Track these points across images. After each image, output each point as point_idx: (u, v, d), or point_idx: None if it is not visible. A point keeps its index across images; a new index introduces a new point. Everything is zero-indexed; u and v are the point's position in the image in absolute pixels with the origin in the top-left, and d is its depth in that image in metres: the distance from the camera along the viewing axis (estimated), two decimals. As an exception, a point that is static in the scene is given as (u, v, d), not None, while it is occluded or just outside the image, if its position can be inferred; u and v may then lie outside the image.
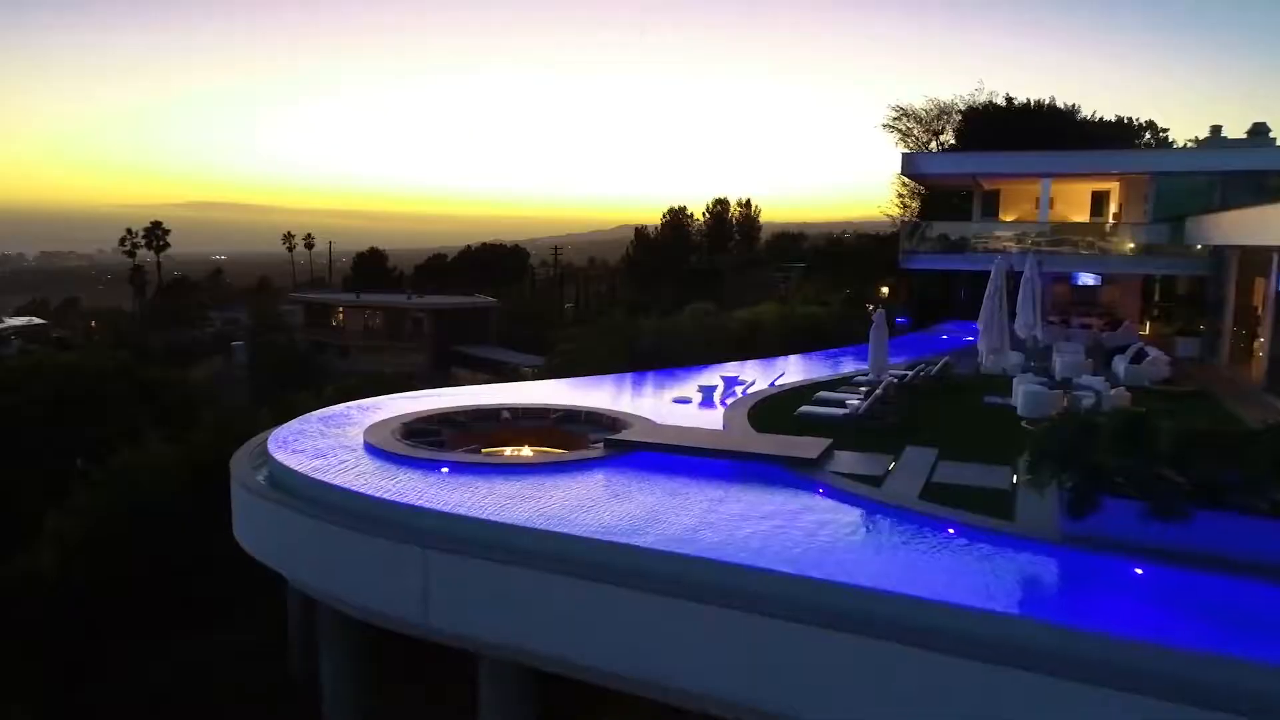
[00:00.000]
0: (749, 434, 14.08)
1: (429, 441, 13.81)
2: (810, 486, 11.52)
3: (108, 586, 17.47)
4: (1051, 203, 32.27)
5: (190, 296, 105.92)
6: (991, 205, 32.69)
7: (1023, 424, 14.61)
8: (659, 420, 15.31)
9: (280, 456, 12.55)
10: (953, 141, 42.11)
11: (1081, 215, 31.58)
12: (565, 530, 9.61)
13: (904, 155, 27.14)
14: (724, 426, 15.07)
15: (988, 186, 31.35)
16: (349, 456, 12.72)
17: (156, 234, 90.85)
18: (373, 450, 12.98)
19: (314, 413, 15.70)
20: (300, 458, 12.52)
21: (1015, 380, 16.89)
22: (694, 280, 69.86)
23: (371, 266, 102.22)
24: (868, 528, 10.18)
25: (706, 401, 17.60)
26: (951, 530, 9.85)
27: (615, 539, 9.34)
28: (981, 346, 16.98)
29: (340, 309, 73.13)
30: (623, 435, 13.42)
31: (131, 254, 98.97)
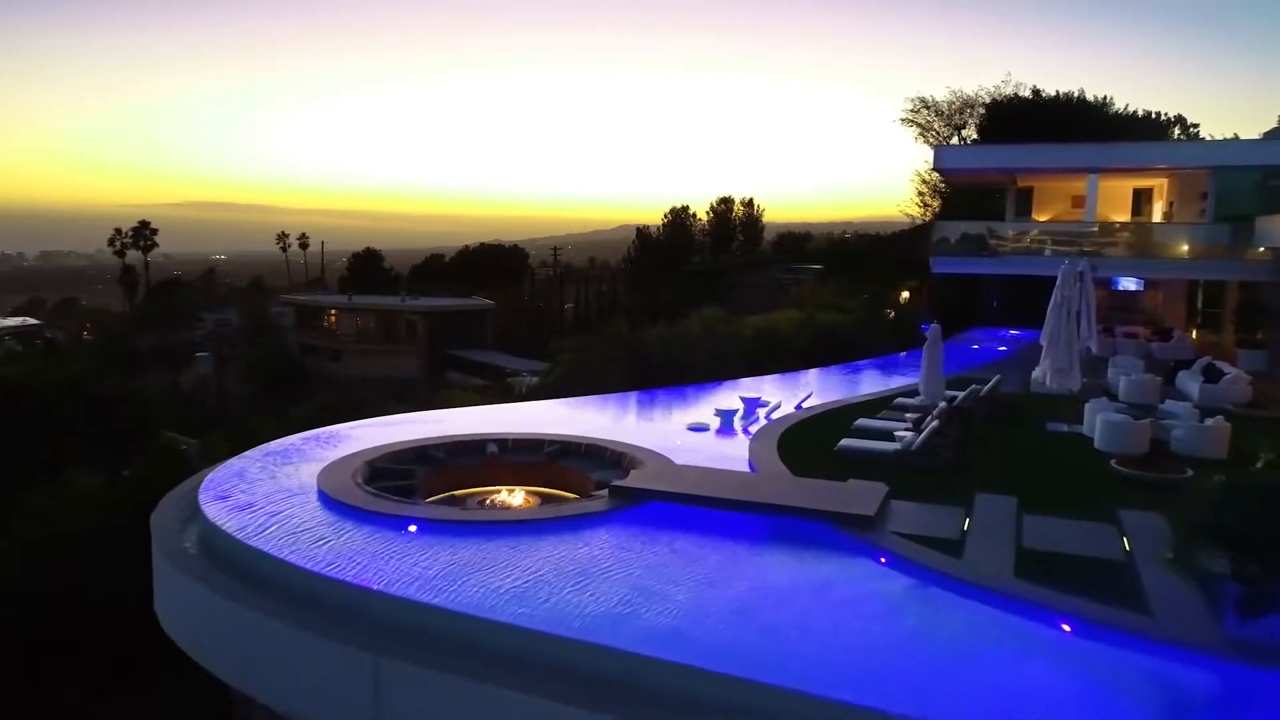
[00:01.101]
0: (784, 478, 11.69)
1: (396, 487, 11.43)
2: (869, 553, 9.16)
3: (36, 636, 15.27)
4: (1075, 201, 29.95)
5: (182, 297, 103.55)
6: (1024, 204, 30.34)
7: (1112, 463, 12.23)
8: (671, 452, 12.97)
9: (211, 511, 10.18)
10: (975, 136, 39.70)
11: (1121, 214, 29.21)
12: (561, 631, 7.25)
13: (936, 148, 24.79)
14: (750, 464, 12.70)
15: (1021, 183, 29.02)
16: (296, 509, 10.35)
17: (144, 234, 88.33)
18: (327, 500, 10.61)
19: (264, 447, 13.32)
20: (234, 513, 10.15)
21: (1088, 406, 14.52)
22: (697, 281, 67.45)
23: (367, 267, 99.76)
24: (955, 620, 7.81)
25: (725, 428, 15.24)
26: (1068, 627, 7.49)
27: (626, 646, 6.97)
28: (1044, 365, 14.67)
29: (332, 311, 70.69)
30: (631, 480, 11.05)
31: (121, 254, 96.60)
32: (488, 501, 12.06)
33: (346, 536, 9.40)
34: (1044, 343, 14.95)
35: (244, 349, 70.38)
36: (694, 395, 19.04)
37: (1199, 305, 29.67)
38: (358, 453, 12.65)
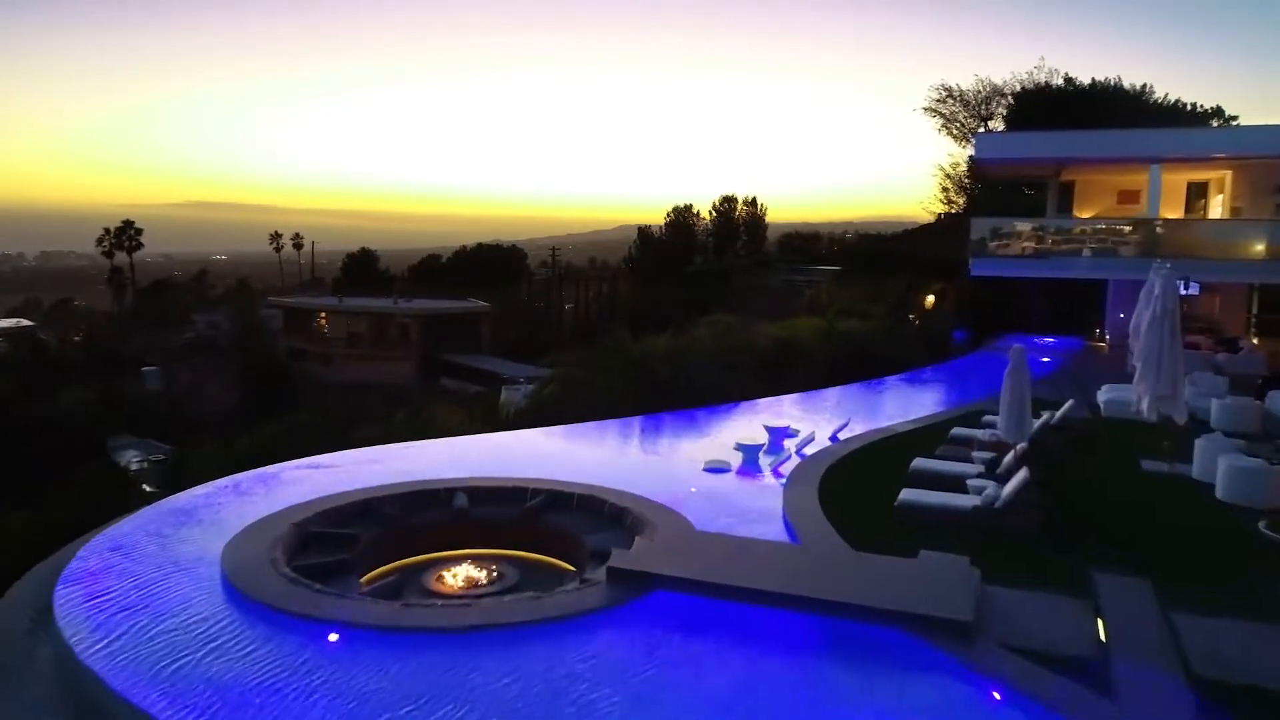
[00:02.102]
0: (838, 554, 8.92)
1: (326, 564, 8.71)
2: (971, 680, 6.45)
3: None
4: (1137, 195, 27.18)
5: (172, 298, 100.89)
6: (1066, 199, 27.59)
7: (1261, 526, 9.49)
8: (685, 503, 10.29)
9: (65, 617, 7.44)
10: (1001, 128, 36.90)
11: (1174, 210, 26.44)
12: None
13: (976, 136, 22.03)
14: (786, 522, 9.98)
15: (1064, 176, 26.28)
16: (180, 604, 7.63)
17: (129, 233, 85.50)
18: (231, 592, 7.88)
19: (167, 501, 10.60)
20: (95, 618, 7.42)
21: (1198, 442, 11.77)
22: (700, 283, 64.67)
23: (362, 268, 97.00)
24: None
25: (749, 466, 12.54)
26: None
27: None
28: (1141, 389, 11.97)
29: (322, 314, 67.94)
30: (636, 559, 8.32)
31: (110, 255, 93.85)
32: (447, 580, 9.32)
33: (234, 658, 6.68)
34: (1138, 364, 12.24)
35: (231, 354, 67.87)
36: (707, 420, 16.33)
37: (1252, 310, 26.93)
38: (288, 510, 9.92)
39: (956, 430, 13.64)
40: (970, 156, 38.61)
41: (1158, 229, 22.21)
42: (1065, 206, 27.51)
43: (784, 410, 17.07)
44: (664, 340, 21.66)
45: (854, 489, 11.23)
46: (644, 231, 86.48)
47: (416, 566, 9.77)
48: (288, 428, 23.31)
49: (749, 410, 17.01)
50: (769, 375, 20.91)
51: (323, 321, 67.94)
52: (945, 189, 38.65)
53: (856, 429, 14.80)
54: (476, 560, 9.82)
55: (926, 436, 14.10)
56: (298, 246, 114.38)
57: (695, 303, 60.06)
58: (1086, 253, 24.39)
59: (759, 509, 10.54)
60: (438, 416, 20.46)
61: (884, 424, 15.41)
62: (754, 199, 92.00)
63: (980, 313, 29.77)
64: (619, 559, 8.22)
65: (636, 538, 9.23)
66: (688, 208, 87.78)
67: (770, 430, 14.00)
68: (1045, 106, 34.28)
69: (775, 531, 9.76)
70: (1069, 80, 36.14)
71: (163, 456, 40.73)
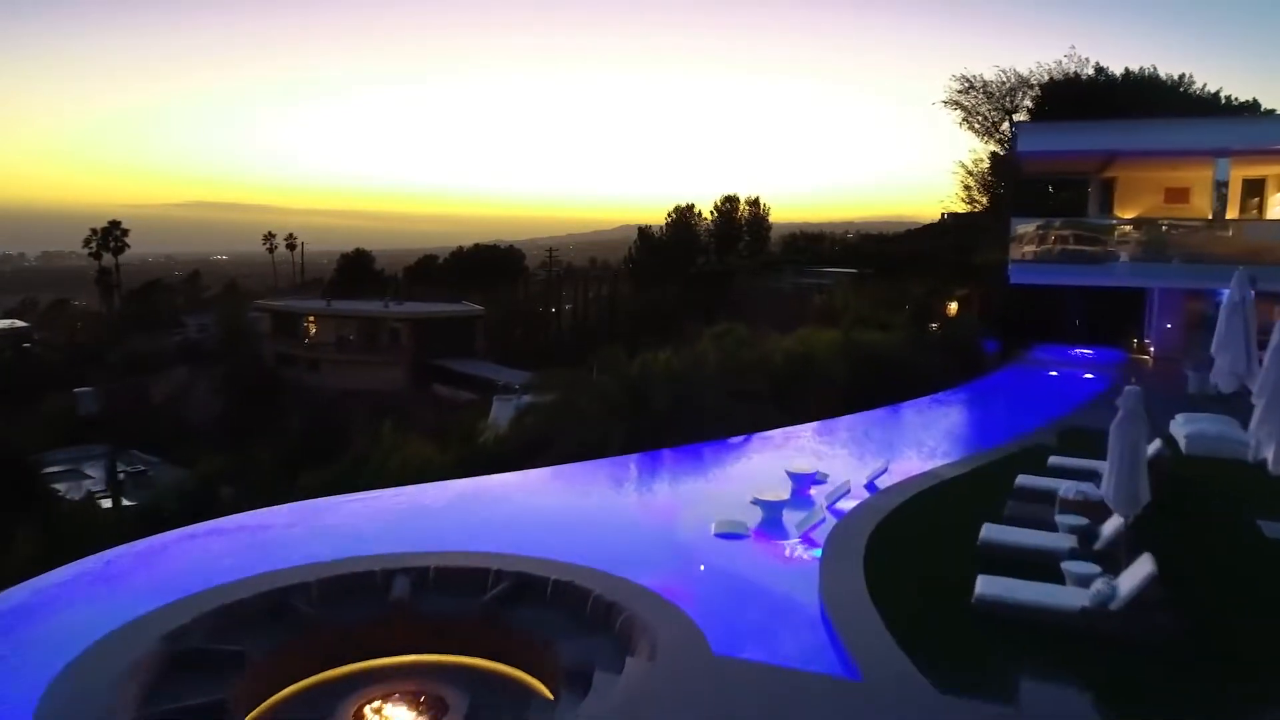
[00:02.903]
0: (913, 695, 6.38)
1: (195, 711, 6.22)
2: None
3: None
4: (1186, 194, 24.67)
5: (163, 300, 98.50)
6: (1106, 198, 25.07)
7: None
8: (693, 587, 7.88)
9: None
10: (1026, 120, 34.31)
11: (1229, 209, 23.91)
12: None
13: (1018, 124, 19.46)
14: (825, 619, 7.50)
15: (1107, 173, 23.75)
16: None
17: (114, 234, 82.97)
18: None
19: (44, 579, 8.14)
20: None
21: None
22: (703, 285, 62.11)
23: (357, 268, 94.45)
24: None
25: (771, 527, 10.08)
26: None
27: None
28: (1262, 432, 9.52)
29: (310, 318, 65.42)
30: (629, 708, 5.82)
31: (97, 256, 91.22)
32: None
33: None
34: (1259, 402, 9.79)
35: (217, 359, 65.33)
36: (715, 460, 13.87)
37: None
38: (162, 612, 7.42)
39: (1023, 480, 11.12)
40: (992, 152, 36.19)
41: (1228, 231, 19.66)
42: (1106, 206, 25.02)
43: (804, 445, 14.61)
44: (664, 358, 19.15)
45: (909, 567, 8.74)
46: (644, 232, 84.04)
47: (332, 688, 7.30)
48: (237, 461, 20.93)
49: (763, 445, 14.54)
50: (783, 398, 18.38)
51: (311, 325, 65.41)
52: (968, 187, 36.07)
53: (897, 471, 12.30)
54: (416, 681, 7.35)
55: (983, 484, 11.63)
56: (291, 247, 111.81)
57: (698, 306, 57.61)
58: (1124, 257, 21.82)
59: (790, 601, 8.07)
60: (406, 447, 17.95)
61: (927, 465, 12.89)
62: (756, 199, 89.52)
63: (1008, 320, 27.33)
64: (605, 694, 5.74)
65: (629, 658, 6.76)
66: (689, 208, 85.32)
67: (793, 478, 11.52)
68: (1076, 99, 31.75)
69: (816, 642, 7.27)
70: (1099, 70, 33.62)
71: (143, 468, 38.26)
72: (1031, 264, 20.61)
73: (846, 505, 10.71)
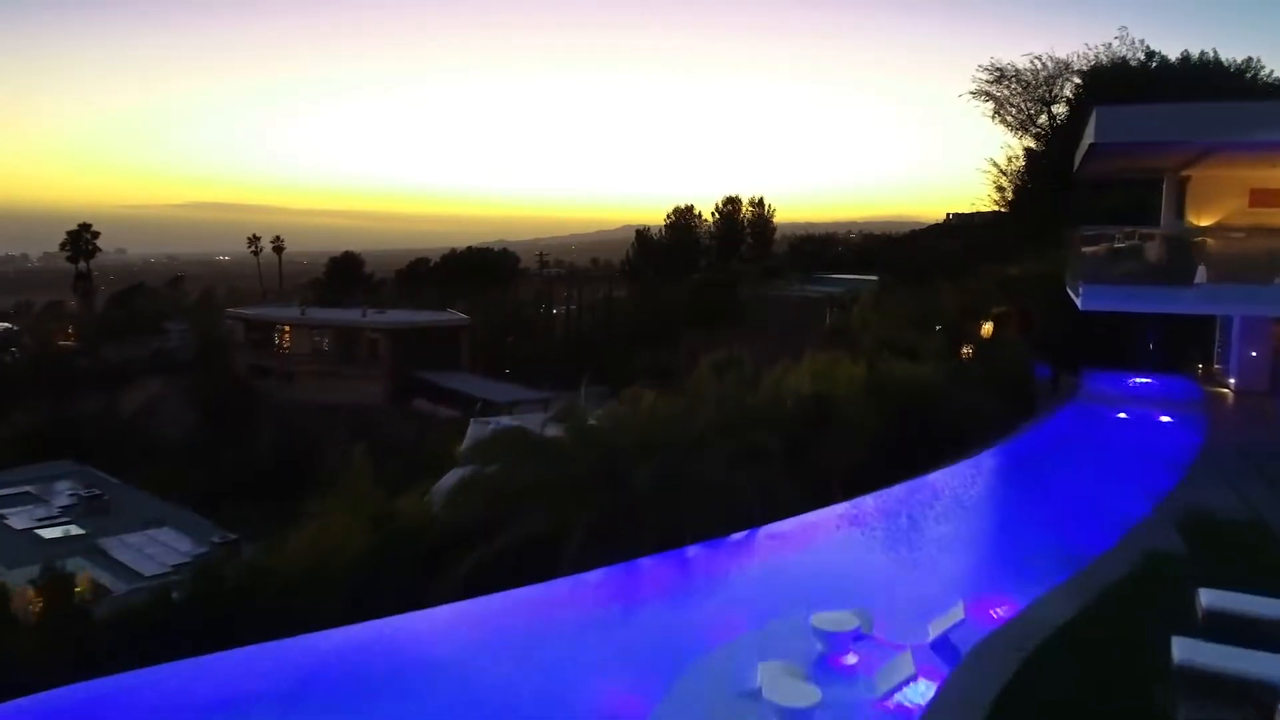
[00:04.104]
0: None
1: None
2: None
3: None
4: (1276, 196, 20.63)
5: (145, 305, 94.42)
6: (1178, 201, 21.10)
7: None
8: None
9: None
10: (1066, 113, 30.35)
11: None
12: None
13: (1100, 111, 15.50)
14: None
15: (1186, 170, 19.77)
16: None
17: (84, 237, 78.95)
18: None
19: None
20: None
21: None
22: (705, 295, 58.03)
23: (345, 272, 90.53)
24: None
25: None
26: None
27: None
28: None
29: (284, 327, 61.42)
30: None
31: (74, 260, 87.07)
32: None
33: None
34: None
35: (190, 370, 61.59)
36: (707, 584, 9.89)
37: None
38: None
39: (1210, 599, 7.11)
40: (1027, 148, 32.22)
41: None
42: (1179, 212, 21.05)
43: (834, 537, 10.71)
44: (649, 401, 15.15)
45: None
46: (642, 234, 79.96)
47: None
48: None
49: (777, 544, 10.58)
50: (796, 457, 14.35)
51: (285, 335, 61.44)
52: (1000, 188, 31.96)
53: (968, 606, 8.29)
54: None
55: (1110, 637, 7.61)
56: (278, 250, 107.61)
57: (699, 315, 53.66)
58: (1201, 274, 17.72)
59: None
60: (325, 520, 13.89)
61: (1014, 592, 8.88)
62: (760, 199, 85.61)
63: (1051, 343, 23.43)
64: None
65: None
66: (689, 209, 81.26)
67: (825, 638, 7.53)
68: (1126, 86, 27.72)
69: None
70: (1150, 54, 29.58)
71: (99, 492, 34.33)
72: (1110, 285, 16.48)
73: (922, 694, 6.75)
